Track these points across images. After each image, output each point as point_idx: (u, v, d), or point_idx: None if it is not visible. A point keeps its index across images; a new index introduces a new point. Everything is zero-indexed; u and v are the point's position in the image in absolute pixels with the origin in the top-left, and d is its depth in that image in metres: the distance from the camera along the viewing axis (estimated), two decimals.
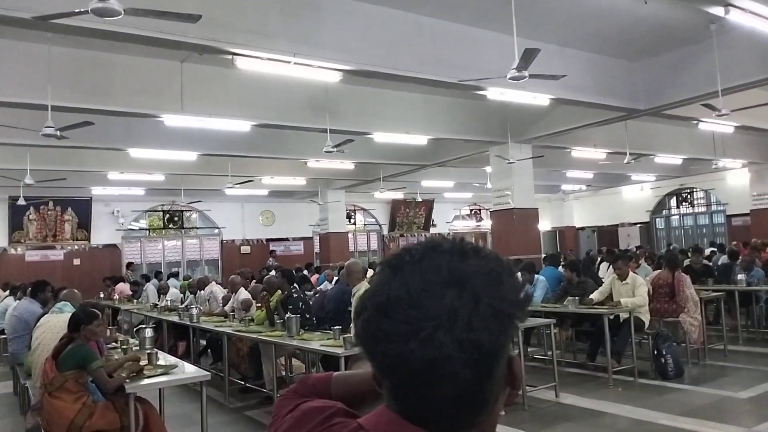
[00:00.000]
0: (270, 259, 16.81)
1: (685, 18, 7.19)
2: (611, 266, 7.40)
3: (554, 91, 7.75)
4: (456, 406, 0.68)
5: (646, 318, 6.65)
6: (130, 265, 15.83)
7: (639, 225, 20.87)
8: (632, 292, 6.67)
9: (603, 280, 8.06)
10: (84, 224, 16.11)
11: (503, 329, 0.68)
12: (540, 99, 7.94)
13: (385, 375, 0.70)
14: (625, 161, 11.50)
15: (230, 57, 5.96)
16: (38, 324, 5.08)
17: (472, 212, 23.78)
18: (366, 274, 6.73)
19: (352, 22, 6.50)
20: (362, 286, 5.65)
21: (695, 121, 10.35)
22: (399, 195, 18.91)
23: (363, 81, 8.44)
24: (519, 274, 7.78)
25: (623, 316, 6.56)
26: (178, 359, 4.95)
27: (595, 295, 6.90)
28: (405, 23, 6.83)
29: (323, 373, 1.05)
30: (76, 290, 5.58)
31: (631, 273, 6.89)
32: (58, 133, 6.77)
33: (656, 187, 20.29)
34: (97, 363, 3.97)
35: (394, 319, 0.67)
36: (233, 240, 18.56)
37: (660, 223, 21.02)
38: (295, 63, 6.04)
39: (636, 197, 21.05)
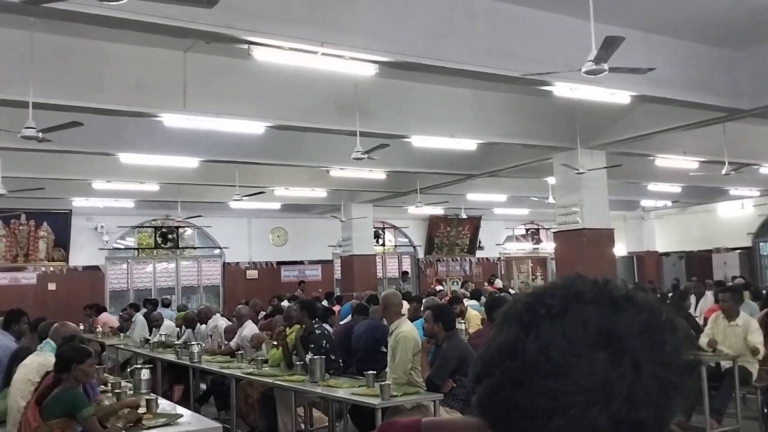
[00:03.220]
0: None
1: None
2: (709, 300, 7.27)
3: (636, 87, 7.74)
4: None
5: (753, 368, 6.54)
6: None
7: (739, 251, 20.53)
8: (743, 338, 6.50)
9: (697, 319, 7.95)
10: (61, 242, 16.50)
11: (668, 403, 0.68)
12: (619, 96, 7.93)
13: None
14: (723, 172, 11.37)
15: (246, 46, 6.12)
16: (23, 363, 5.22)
17: (529, 232, 23.69)
18: (403, 307, 6.78)
19: (391, 4, 6.62)
20: (402, 324, 5.70)
21: None
22: (439, 210, 18.92)
23: (401, 75, 8.54)
24: None
25: (725, 365, 6.46)
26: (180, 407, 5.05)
27: (703, 340, 6.70)
28: (453, 6, 6.93)
29: (409, 418, 1.08)
30: (69, 323, 5.72)
31: (742, 313, 6.71)
32: (39, 134, 7.00)
33: (761, 204, 19.94)
34: (88, 410, 4.09)
35: (533, 390, 0.67)
36: (237, 263, 18.78)
37: (765, 248, 20.62)
38: (322, 54, 6.17)
39: (735, 216, 20.72)
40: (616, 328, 0.69)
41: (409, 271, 20.90)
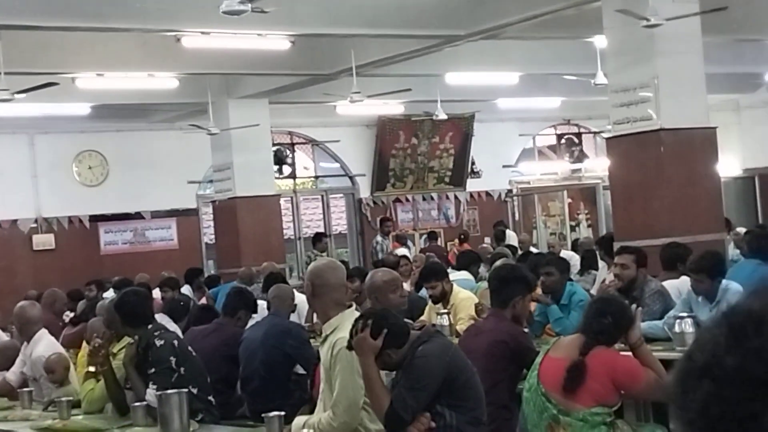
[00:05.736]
0: None
1: None
2: None
3: None
4: None
5: None
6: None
7: None
8: None
9: None
10: None
11: None
12: None
13: None
14: None
15: None
16: None
17: (563, 141, 23.87)
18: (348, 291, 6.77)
19: None
20: (345, 322, 5.52)
21: None
22: (395, 108, 18.96)
23: None
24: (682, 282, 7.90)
25: None
26: None
27: None
28: None
29: None
30: None
31: None
32: None
33: None
34: None
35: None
36: (15, 221, 18.71)
37: None
38: None
39: None
40: None
41: (392, 219, 21.12)
